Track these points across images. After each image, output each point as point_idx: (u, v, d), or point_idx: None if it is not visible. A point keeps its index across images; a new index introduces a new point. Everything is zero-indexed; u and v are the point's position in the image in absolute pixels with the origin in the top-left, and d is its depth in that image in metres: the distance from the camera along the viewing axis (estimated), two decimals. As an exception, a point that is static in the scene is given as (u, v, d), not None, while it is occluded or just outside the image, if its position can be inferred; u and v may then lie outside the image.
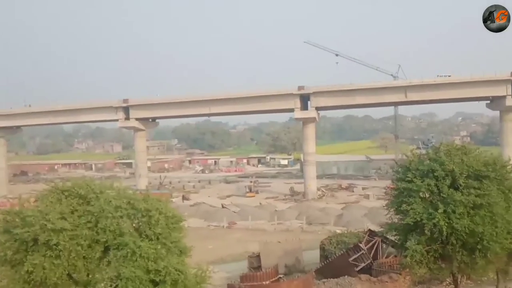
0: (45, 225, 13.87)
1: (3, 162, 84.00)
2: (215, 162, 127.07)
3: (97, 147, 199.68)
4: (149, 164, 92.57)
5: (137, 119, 74.13)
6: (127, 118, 74.38)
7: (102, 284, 14.47)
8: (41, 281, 14.17)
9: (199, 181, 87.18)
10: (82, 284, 14.88)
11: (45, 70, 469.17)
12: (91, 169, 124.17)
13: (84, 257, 14.57)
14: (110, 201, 15.26)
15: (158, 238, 15.19)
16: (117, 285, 13.99)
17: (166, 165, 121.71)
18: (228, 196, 67.91)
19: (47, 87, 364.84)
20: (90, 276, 14.93)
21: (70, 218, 14.60)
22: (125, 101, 73.86)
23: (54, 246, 13.83)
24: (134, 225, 15.57)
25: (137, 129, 75.88)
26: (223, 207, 56.31)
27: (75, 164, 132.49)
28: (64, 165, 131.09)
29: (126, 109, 74.16)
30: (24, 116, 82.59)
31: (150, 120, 78.25)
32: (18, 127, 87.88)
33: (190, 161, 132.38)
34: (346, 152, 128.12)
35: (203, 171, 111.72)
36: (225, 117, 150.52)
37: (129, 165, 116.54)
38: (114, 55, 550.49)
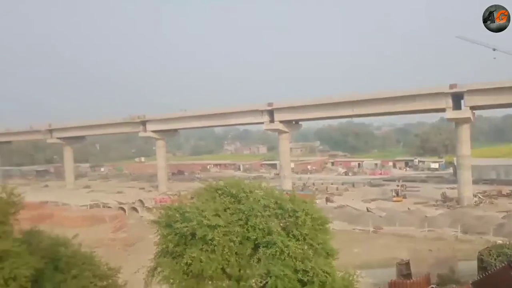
0: (202, 221, 14.65)
1: (163, 162, 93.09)
2: (358, 164, 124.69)
3: (244, 149, 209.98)
4: (292, 165, 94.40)
5: (281, 121, 75.91)
6: (272, 121, 76.61)
7: (253, 280, 14.95)
8: (198, 273, 14.99)
9: (342, 184, 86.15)
10: (234, 278, 15.46)
11: (199, 78, 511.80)
12: (239, 169, 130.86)
13: (236, 253, 15.14)
14: (259, 200, 15.69)
15: (305, 239, 15.22)
16: (266, 282, 14.38)
17: (308, 167, 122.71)
18: (373, 200, 65.98)
19: (200, 93, 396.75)
20: (241, 271, 15.47)
21: (223, 215, 15.29)
22: (270, 104, 76.22)
23: (209, 241, 14.55)
24: (281, 224, 15.80)
25: (281, 131, 77.79)
26: (368, 210, 54.90)
27: (225, 164, 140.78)
28: (215, 165, 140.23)
29: (270, 112, 76.52)
30: (181, 120, 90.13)
31: (294, 122, 79.50)
32: (176, 130, 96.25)
33: (332, 163, 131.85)
34: (507, 156, 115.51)
35: (346, 173, 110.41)
36: (369, 118, 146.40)
37: (274, 166, 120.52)
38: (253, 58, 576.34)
